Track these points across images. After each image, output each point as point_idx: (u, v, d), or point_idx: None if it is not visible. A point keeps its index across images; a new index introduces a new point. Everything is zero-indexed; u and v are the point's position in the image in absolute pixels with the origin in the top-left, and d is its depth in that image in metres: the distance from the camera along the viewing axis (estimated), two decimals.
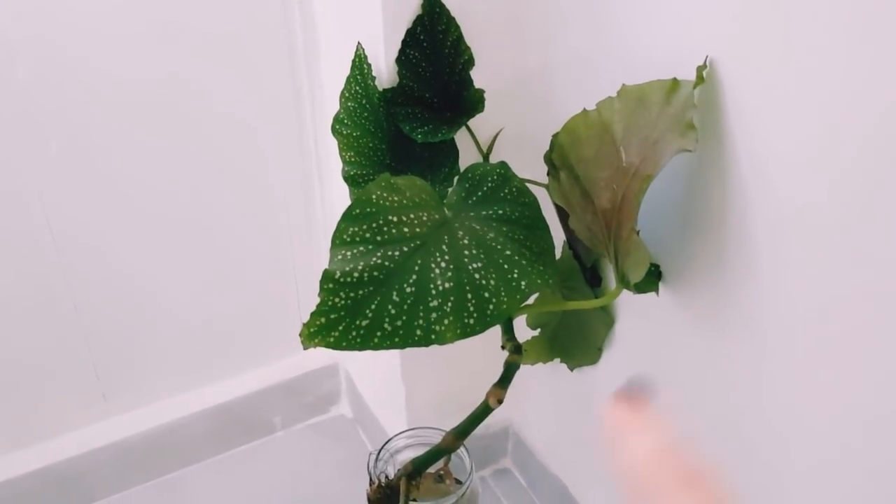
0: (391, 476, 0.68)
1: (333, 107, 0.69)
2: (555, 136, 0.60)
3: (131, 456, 0.95)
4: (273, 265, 0.94)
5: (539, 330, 0.78)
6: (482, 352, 0.69)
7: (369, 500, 0.66)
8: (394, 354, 0.85)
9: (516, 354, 0.57)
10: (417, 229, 0.55)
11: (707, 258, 0.57)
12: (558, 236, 0.66)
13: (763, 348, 0.54)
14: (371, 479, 0.68)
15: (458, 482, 0.73)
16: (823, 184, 0.46)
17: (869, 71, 0.41)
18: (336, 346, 0.52)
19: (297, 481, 0.97)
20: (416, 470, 0.60)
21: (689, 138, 0.49)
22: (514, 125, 0.73)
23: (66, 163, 0.79)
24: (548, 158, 0.62)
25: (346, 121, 0.68)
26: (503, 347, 0.59)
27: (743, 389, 0.57)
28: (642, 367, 0.69)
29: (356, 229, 0.53)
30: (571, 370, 0.77)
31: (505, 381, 0.56)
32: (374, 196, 0.54)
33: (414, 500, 0.68)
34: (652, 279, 0.61)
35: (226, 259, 0.93)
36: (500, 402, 0.55)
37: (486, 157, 0.72)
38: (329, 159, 0.84)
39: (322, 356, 1.02)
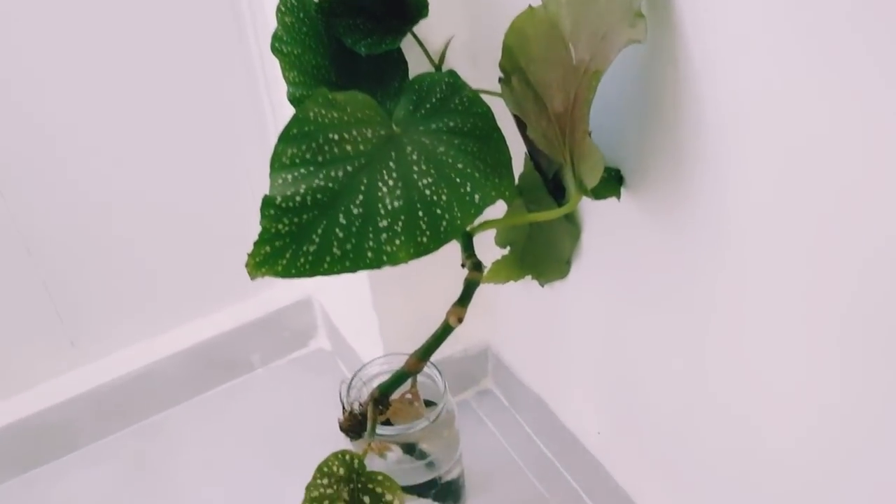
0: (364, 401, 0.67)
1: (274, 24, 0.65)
2: (504, 39, 0.57)
3: (108, 402, 0.94)
4: (233, 199, 0.92)
5: (508, 248, 0.76)
6: (453, 275, 0.67)
7: (341, 428, 0.65)
8: (363, 284, 0.83)
9: (476, 272, 0.55)
10: (361, 147, 0.52)
11: (665, 155, 0.54)
12: (520, 149, 0.64)
13: (726, 240, 0.52)
14: (343, 408, 0.67)
15: (433, 404, 0.72)
16: (780, 71, 0.43)
17: None
18: (284, 274, 0.50)
19: (280, 416, 0.97)
20: (382, 395, 0.59)
21: (639, 28, 0.46)
22: (466, 32, 0.69)
23: (7, 92, 0.75)
24: (500, 65, 0.59)
25: (284, 38, 0.64)
26: (463, 265, 0.57)
27: (705, 286, 0.56)
28: (611, 276, 0.68)
29: (295, 151, 0.50)
30: (542, 286, 0.75)
31: (465, 299, 0.55)
32: (311, 114, 0.51)
33: (389, 423, 0.68)
34: (612, 184, 0.59)
35: (185, 196, 0.90)
36: (460, 320, 0.54)
37: (437, 68, 0.68)
38: (278, 82, 0.80)
39: (293, 290, 1.01)
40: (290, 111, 0.65)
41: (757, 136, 0.46)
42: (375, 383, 0.74)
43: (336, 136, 0.51)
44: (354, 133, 0.52)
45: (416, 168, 0.52)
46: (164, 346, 0.97)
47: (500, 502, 0.83)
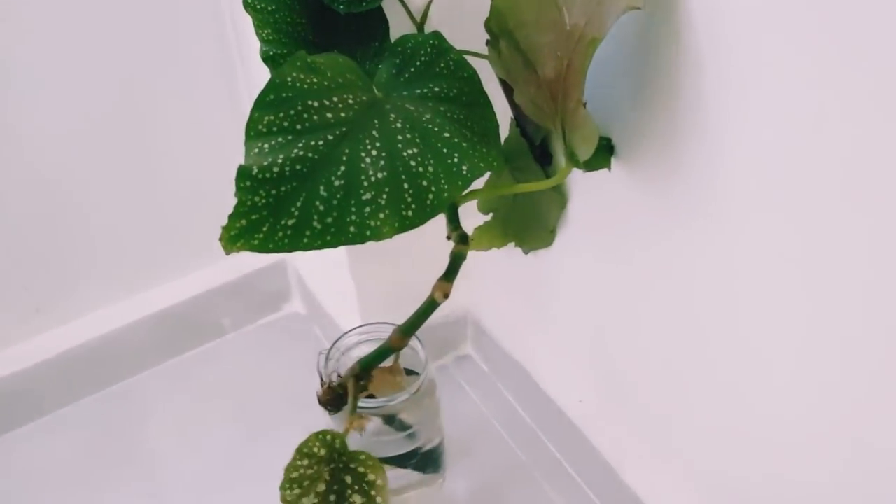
0: (343, 375, 0.65)
1: None
2: (493, 1, 0.54)
3: (74, 368, 0.91)
4: (204, 160, 0.88)
5: (491, 215, 0.73)
6: (431, 239, 0.65)
7: (320, 402, 0.63)
8: (339, 248, 0.80)
9: (462, 245, 0.53)
10: (343, 114, 0.49)
11: (661, 127, 0.52)
12: (505, 113, 0.61)
13: (721, 214, 0.50)
14: (322, 380, 0.65)
15: (414, 373, 0.70)
16: (785, 41, 0.41)
17: None
18: (261, 248, 0.47)
19: (253, 382, 0.95)
20: (363, 370, 0.57)
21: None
22: None
23: None
24: (487, 26, 0.56)
25: None
26: (448, 237, 0.55)
27: (701, 263, 0.54)
28: (597, 246, 0.66)
29: (272, 118, 0.47)
30: (526, 254, 0.73)
31: (451, 273, 0.52)
32: (289, 79, 0.48)
33: (372, 396, 0.66)
34: (603, 154, 0.56)
35: (155, 155, 0.86)
36: (446, 296, 0.52)
37: (420, 27, 0.65)
38: (249, 37, 0.76)
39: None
40: (261, 68, 0.62)
41: (761, 111, 0.44)
42: (354, 353, 0.72)
43: (316, 103, 0.48)
44: (335, 99, 0.49)
45: (400, 137, 0.49)
46: (131, 310, 0.94)
47: (480, 469, 0.83)
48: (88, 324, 0.92)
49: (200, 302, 0.96)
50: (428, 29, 0.65)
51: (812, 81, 0.40)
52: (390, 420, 0.69)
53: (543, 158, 0.65)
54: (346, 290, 0.84)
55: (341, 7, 0.58)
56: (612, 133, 0.57)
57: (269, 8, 0.60)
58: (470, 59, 0.54)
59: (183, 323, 0.97)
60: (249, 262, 0.97)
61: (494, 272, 0.83)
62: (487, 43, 0.56)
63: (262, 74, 0.60)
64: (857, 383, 0.46)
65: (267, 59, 0.62)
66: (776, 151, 0.44)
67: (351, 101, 0.49)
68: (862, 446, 0.47)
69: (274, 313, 1.02)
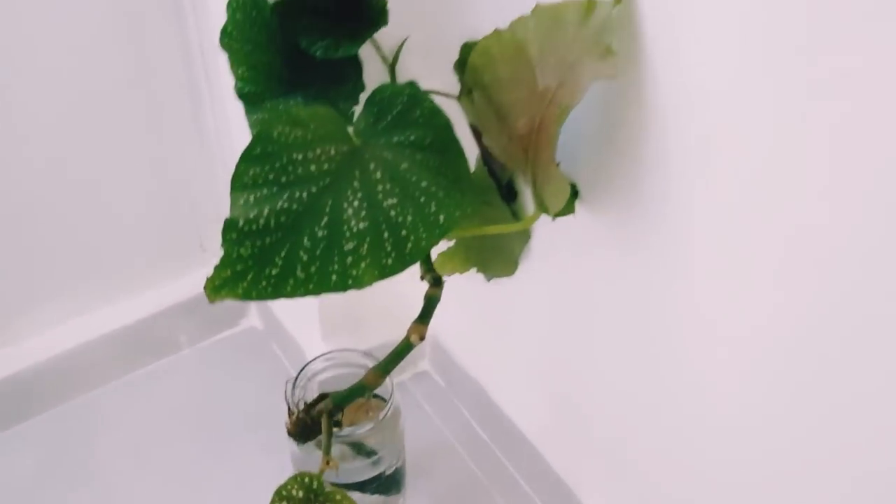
0: (309, 400, 0.67)
1: (220, 13, 0.62)
2: (468, 57, 0.57)
3: (28, 386, 0.90)
4: (164, 181, 0.88)
5: (454, 241, 0.76)
6: None
7: (289, 433, 0.65)
8: None
9: (436, 287, 0.55)
10: (326, 166, 0.51)
11: (625, 180, 0.55)
12: (472, 148, 0.64)
13: (677, 258, 0.54)
14: (290, 410, 0.67)
15: (378, 397, 0.73)
16: (741, 112, 0.45)
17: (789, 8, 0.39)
18: (245, 297, 0.49)
19: (210, 398, 0.95)
20: (336, 407, 0.59)
21: (609, 64, 0.47)
22: (419, 31, 0.67)
23: None
24: (460, 79, 0.59)
25: (234, 34, 0.61)
26: (422, 278, 0.58)
27: (656, 305, 0.58)
28: (557, 278, 0.69)
29: (257, 171, 0.49)
30: (488, 280, 0.76)
31: (426, 316, 0.55)
32: (275, 132, 0.49)
33: (337, 424, 0.68)
34: (569, 200, 0.59)
35: (114, 175, 0.86)
36: (422, 338, 0.54)
37: (391, 66, 0.67)
38: (218, 69, 0.77)
39: None
40: (225, 99, 0.62)
41: (720, 169, 0.48)
42: (320, 378, 0.74)
43: (300, 156, 0.50)
44: (318, 151, 0.51)
45: (380, 187, 0.51)
46: (85, 328, 0.93)
47: (439, 486, 0.85)
48: (42, 343, 0.91)
49: (157, 319, 0.96)
50: (399, 68, 0.67)
51: (764, 145, 0.44)
52: (357, 447, 0.71)
53: (509, 195, 0.68)
54: (304, 305, 0.86)
55: (318, 52, 0.59)
56: (577, 178, 0.60)
57: (246, 48, 0.61)
58: (439, 97, 0.57)
59: (139, 340, 0.96)
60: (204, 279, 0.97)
61: (455, 292, 0.85)
62: (460, 95, 0.58)
63: (227, 96, 0.61)
64: (800, 420, 0.50)
65: (242, 95, 0.63)
66: (729, 205, 0.48)
67: (333, 153, 0.51)
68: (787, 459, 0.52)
69: (231, 329, 1.03)
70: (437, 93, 0.62)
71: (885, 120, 0.38)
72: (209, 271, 0.93)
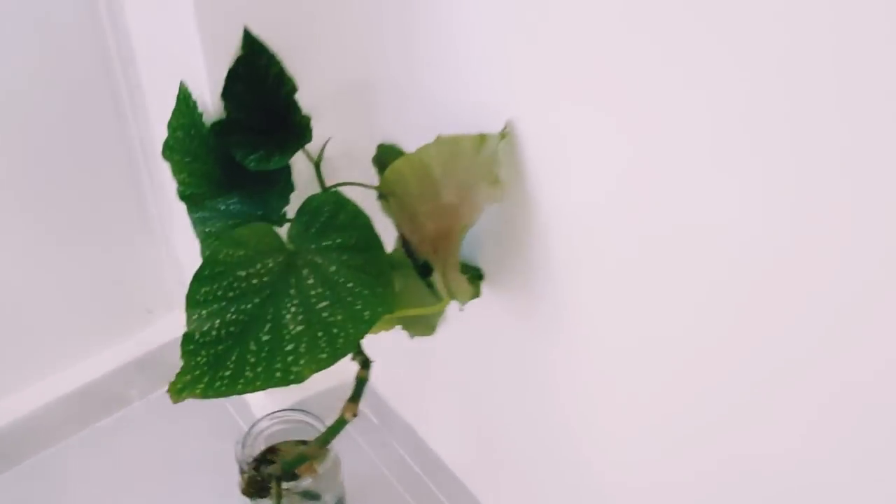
0: (257, 454, 0.76)
1: (160, 120, 0.70)
2: (384, 158, 0.66)
3: None
4: (111, 259, 0.95)
5: None
6: None
7: (243, 492, 0.74)
8: None
9: (365, 370, 0.65)
10: (266, 278, 0.60)
11: (519, 266, 0.66)
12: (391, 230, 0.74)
13: (560, 326, 0.66)
14: (241, 469, 0.76)
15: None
16: (603, 222, 0.56)
17: (639, 151, 0.51)
18: (203, 396, 0.58)
19: (165, 445, 1.03)
20: (284, 472, 0.68)
21: (497, 191, 0.57)
22: (340, 133, 0.77)
23: None
24: (378, 171, 0.68)
25: (175, 147, 0.70)
26: (353, 359, 0.67)
27: (541, 361, 0.70)
28: (469, 337, 0.80)
29: (208, 289, 0.58)
30: (412, 338, 0.86)
31: (357, 396, 0.65)
32: (221, 255, 0.58)
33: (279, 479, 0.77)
34: (476, 284, 0.70)
35: (66, 255, 0.93)
36: (355, 415, 0.64)
37: (317, 165, 0.76)
38: (159, 166, 0.85)
39: (172, 328, 1.06)
40: (165, 186, 0.70)
41: (587, 259, 0.59)
42: (268, 433, 0.83)
43: (243, 273, 0.59)
44: (259, 266, 0.60)
45: (313, 292, 0.60)
46: (37, 393, 0.99)
47: None
48: (5, 406, 0.97)
49: (108, 379, 1.03)
50: (324, 166, 0.76)
51: (620, 248, 0.56)
52: (303, 494, 0.80)
53: (425, 271, 0.77)
54: None
55: (252, 165, 0.68)
56: (482, 264, 0.71)
57: (185, 160, 0.69)
58: (360, 188, 0.66)
59: (94, 397, 1.03)
60: (154, 337, 1.05)
61: (385, 343, 0.96)
62: (378, 195, 0.68)
63: (167, 185, 0.69)
64: (670, 462, 0.62)
65: (183, 197, 0.72)
66: (597, 288, 0.60)
67: (271, 265, 0.60)
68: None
69: None
70: (359, 184, 0.72)
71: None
72: (155, 330, 1.02)
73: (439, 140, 0.60)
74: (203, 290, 0.57)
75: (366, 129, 0.76)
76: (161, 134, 0.70)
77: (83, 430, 1.04)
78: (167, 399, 1.08)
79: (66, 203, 0.89)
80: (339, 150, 0.78)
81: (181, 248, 0.97)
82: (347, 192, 0.66)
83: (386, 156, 0.74)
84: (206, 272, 0.58)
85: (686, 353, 0.55)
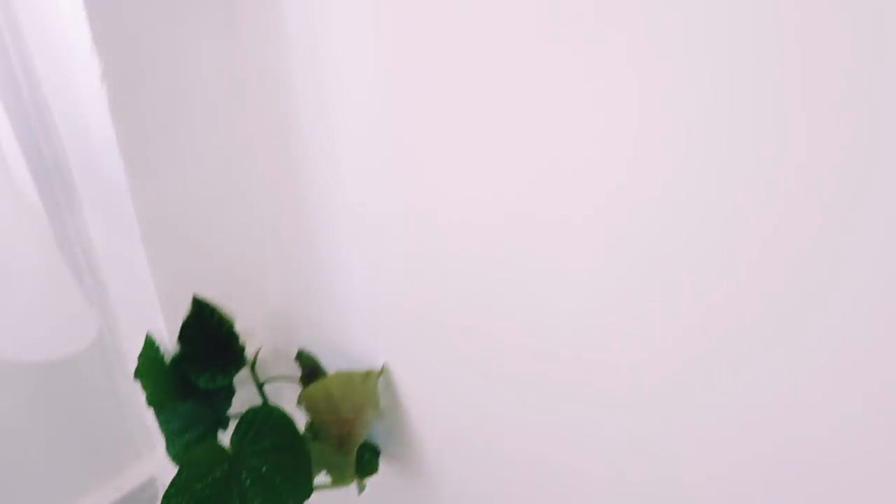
0: None
1: (134, 357, 0.92)
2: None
3: None
4: (77, 408, 1.16)
5: None
6: None
7: None
8: None
9: None
10: (217, 486, 0.82)
11: (405, 447, 0.90)
12: None
13: (431, 494, 0.89)
14: None
15: None
16: (455, 431, 0.80)
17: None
18: None
19: None
20: None
21: (377, 414, 0.81)
22: (271, 342, 1.00)
23: None
24: (300, 365, 0.92)
25: (143, 372, 0.92)
26: None
27: None
28: (376, 492, 1.03)
29: (177, 500, 0.80)
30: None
31: None
32: (184, 475, 0.81)
33: None
34: (373, 461, 0.93)
35: (31, 406, 1.13)
36: None
37: (252, 367, 0.99)
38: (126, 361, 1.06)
39: (139, 474, 1.26)
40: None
41: (455, 463, 0.83)
42: None
43: (199, 485, 0.81)
44: (209, 479, 0.82)
45: (251, 492, 0.83)
46: None
47: None
48: None
49: None
50: (259, 366, 0.99)
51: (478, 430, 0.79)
52: None
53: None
54: None
55: (202, 384, 0.91)
56: (380, 443, 0.94)
57: (152, 378, 0.92)
58: (284, 383, 0.89)
59: None
60: (122, 485, 1.25)
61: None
62: (298, 403, 0.91)
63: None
64: None
65: (150, 403, 0.94)
66: (465, 461, 0.83)
67: (218, 475, 0.83)
68: None
69: None
70: (285, 378, 0.95)
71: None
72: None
73: (338, 374, 0.84)
74: (173, 501, 0.80)
75: (289, 338, 0.99)
76: (134, 363, 0.93)
77: None
78: None
79: (44, 385, 1.10)
80: (269, 353, 1.01)
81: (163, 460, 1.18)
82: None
83: (303, 358, 0.97)
84: (173, 490, 0.80)
85: None
